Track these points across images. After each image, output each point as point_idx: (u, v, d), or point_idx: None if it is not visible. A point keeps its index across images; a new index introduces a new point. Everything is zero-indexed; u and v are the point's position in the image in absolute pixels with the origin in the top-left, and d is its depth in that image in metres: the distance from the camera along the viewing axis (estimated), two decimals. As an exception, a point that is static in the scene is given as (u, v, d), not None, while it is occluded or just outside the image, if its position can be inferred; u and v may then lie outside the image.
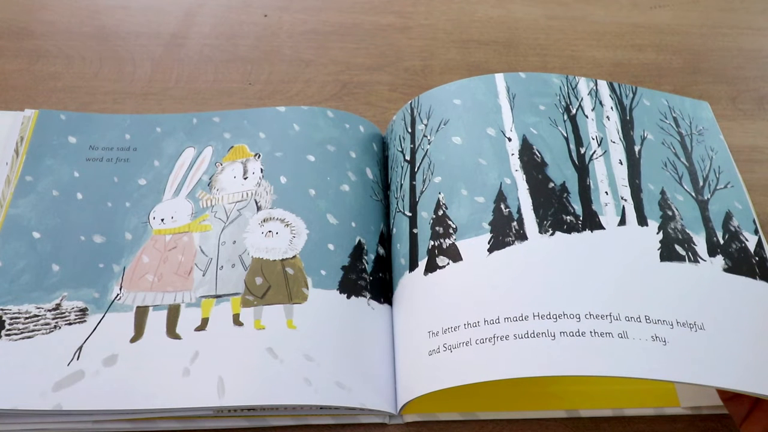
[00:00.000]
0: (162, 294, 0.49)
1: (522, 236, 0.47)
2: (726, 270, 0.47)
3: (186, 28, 0.73)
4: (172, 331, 0.47)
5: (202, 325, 0.47)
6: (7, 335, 0.46)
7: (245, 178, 0.54)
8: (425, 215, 0.50)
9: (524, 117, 0.53)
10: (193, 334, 0.47)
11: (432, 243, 0.49)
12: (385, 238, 0.54)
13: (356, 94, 0.68)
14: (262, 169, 0.55)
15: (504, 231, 0.47)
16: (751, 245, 0.49)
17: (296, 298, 0.48)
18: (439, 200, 0.50)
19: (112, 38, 0.71)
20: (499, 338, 0.42)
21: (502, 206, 0.48)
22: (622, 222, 0.49)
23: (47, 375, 0.45)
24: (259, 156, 0.56)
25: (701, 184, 0.52)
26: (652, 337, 0.41)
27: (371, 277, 0.51)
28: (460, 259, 0.47)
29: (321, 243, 0.51)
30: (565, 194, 0.49)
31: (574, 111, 0.54)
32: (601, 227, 0.48)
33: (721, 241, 0.49)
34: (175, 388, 0.44)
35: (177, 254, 0.51)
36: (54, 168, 0.55)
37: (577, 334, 0.41)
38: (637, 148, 0.53)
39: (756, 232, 0.51)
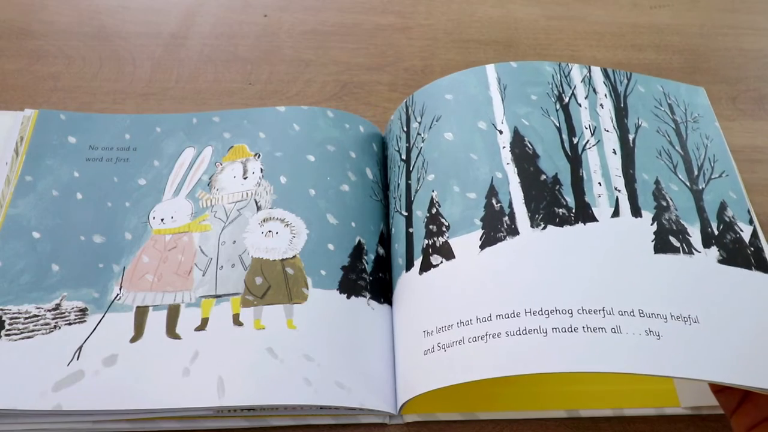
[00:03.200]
0: (162, 294, 0.49)
1: (513, 231, 0.46)
2: (721, 261, 0.47)
3: (186, 28, 0.73)
4: (172, 331, 0.47)
5: (202, 325, 0.47)
6: (6, 335, 0.46)
7: (245, 178, 0.54)
8: (420, 214, 0.50)
9: (515, 108, 0.52)
10: (193, 334, 0.47)
11: (426, 242, 0.49)
12: (385, 238, 0.54)
13: (356, 94, 0.68)
14: (261, 169, 0.55)
15: (495, 226, 0.47)
16: (746, 236, 0.49)
17: (296, 298, 0.48)
18: (432, 198, 0.50)
19: (112, 38, 0.71)
20: (491, 336, 0.42)
21: (494, 201, 0.48)
22: (616, 213, 0.48)
23: (47, 375, 0.45)
24: (259, 156, 0.56)
25: (696, 173, 0.52)
26: (645, 331, 0.41)
27: (371, 277, 0.51)
28: (453, 256, 0.47)
29: (321, 243, 0.51)
30: (558, 186, 0.48)
31: (566, 99, 0.53)
32: (594, 219, 0.47)
33: (716, 232, 0.48)
34: (175, 388, 0.44)
35: (177, 254, 0.51)
36: (54, 168, 0.55)
37: (570, 329, 0.41)
38: (631, 137, 0.52)
39: (751, 222, 0.50)
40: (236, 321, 0.48)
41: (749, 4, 0.80)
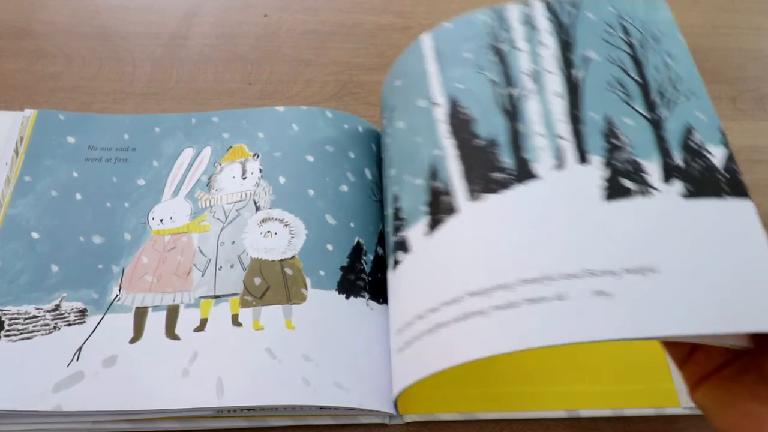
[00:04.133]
0: (161, 295, 0.49)
1: (454, 209, 0.43)
2: (686, 195, 0.40)
3: (186, 28, 0.73)
4: (171, 332, 0.47)
5: (201, 326, 0.48)
6: (6, 336, 0.46)
7: (244, 178, 0.54)
8: (390, 212, 0.49)
9: (451, 73, 0.47)
10: (192, 335, 0.47)
11: (393, 239, 0.47)
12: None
13: (356, 94, 0.68)
14: (260, 169, 0.55)
15: (438, 209, 0.44)
16: (718, 160, 0.41)
17: (295, 299, 0.48)
18: (395, 194, 0.48)
19: (112, 38, 0.71)
20: (440, 327, 0.40)
21: (436, 182, 0.44)
22: (560, 165, 0.42)
23: (47, 376, 0.45)
24: (258, 156, 0.55)
25: (656, 100, 0.44)
26: (594, 292, 0.36)
27: (370, 278, 0.51)
28: (409, 249, 0.45)
29: (320, 243, 0.51)
30: (494, 148, 0.43)
31: (503, 47, 0.46)
32: (534, 176, 0.41)
33: (680, 163, 0.41)
34: (174, 388, 0.44)
35: (176, 255, 0.51)
36: (53, 168, 0.55)
37: (512, 305, 0.37)
38: (578, 74, 0.45)
39: (725, 143, 0.42)
40: (235, 321, 0.48)
41: (749, 4, 0.80)
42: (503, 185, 0.42)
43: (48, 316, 0.48)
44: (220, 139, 0.58)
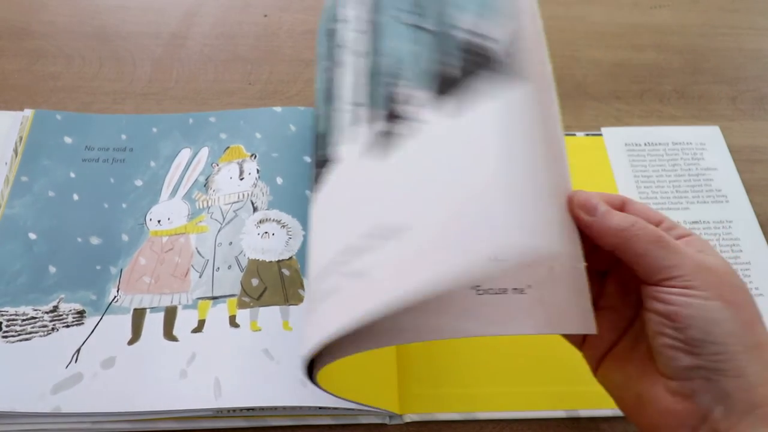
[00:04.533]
0: (159, 296, 0.49)
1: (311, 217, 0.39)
2: (454, 115, 0.32)
3: (186, 28, 0.73)
4: (169, 333, 0.47)
5: (199, 327, 0.47)
6: (4, 337, 0.46)
7: (241, 179, 0.54)
8: None
9: (317, 75, 0.43)
10: (189, 336, 0.47)
11: None
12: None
13: (355, 94, 0.68)
14: (258, 170, 0.54)
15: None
16: (500, 44, 0.32)
17: (292, 300, 0.48)
18: None
19: (112, 38, 0.71)
20: None
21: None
22: (356, 137, 0.35)
23: (46, 377, 0.45)
24: (255, 156, 0.55)
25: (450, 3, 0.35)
26: (350, 276, 0.31)
27: (369, 278, 0.51)
28: None
29: (318, 244, 0.51)
30: (319, 142, 0.39)
31: (335, 27, 0.41)
32: (337, 161, 0.36)
33: (457, 73, 0.33)
34: (172, 389, 0.45)
35: (174, 256, 0.51)
36: (50, 168, 0.55)
37: (310, 311, 0.34)
38: (383, 20, 0.37)
39: (513, 15, 0.33)
40: (233, 322, 0.48)
41: (749, 4, 0.79)
42: (321, 181, 0.37)
43: (46, 317, 0.48)
44: (217, 140, 0.57)
